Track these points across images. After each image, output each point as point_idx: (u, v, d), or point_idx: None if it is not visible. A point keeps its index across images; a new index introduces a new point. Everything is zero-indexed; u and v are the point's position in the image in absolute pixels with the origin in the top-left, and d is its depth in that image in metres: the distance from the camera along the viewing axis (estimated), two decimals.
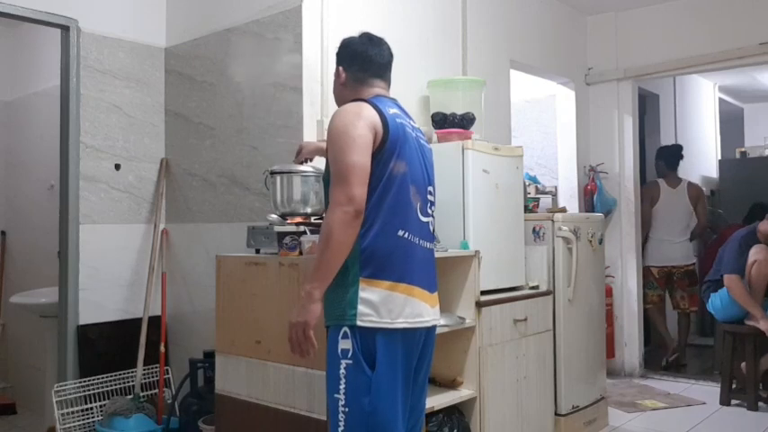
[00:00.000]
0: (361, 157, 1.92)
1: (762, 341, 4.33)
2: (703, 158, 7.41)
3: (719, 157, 7.59)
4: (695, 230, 5.69)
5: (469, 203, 3.12)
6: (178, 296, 3.77)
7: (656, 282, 5.54)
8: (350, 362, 1.94)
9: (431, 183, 2.18)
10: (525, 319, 3.27)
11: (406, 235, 2.00)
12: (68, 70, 3.54)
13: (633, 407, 4.39)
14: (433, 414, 2.74)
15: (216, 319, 2.88)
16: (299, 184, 2.88)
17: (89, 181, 3.58)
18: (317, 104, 3.22)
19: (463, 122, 3.47)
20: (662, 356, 5.56)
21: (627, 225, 5.38)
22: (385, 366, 1.94)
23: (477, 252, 3.01)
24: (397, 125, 2.05)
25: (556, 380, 3.54)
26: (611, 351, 4.97)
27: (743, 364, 4.44)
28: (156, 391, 3.60)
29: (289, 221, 2.77)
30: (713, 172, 7.44)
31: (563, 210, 4.04)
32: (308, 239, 2.56)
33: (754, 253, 4.40)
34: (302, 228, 2.69)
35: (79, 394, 3.42)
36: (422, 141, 2.20)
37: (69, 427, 3.34)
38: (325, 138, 3.13)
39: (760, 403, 4.35)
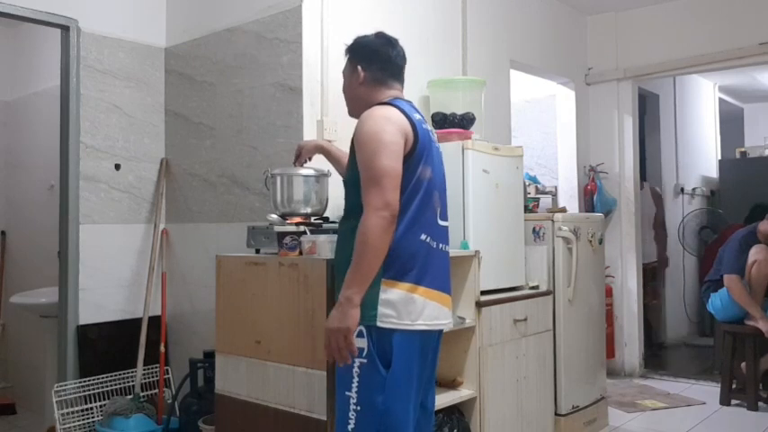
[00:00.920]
0: (394, 161, 1.96)
1: (762, 341, 4.33)
2: (703, 158, 7.42)
3: (719, 158, 7.60)
4: None
5: (469, 203, 3.12)
6: (178, 296, 3.77)
7: None
8: (364, 360, 1.96)
9: (446, 188, 2.24)
10: (525, 319, 3.27)
11: (428, 239, 2.04)
12: (68, 70, 3.54)
13: (633, 407, 4.39)
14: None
15: (216, 319, 2.87)
16: (299, 184, 2.88)
17: (89, 181, 3.58)
18: (317, 104, 3.22)
19: (463, 122, 3.47)
20: None
21: (627, 225, 5.38)
22: (401, 367, 1.97)
23: (477, 252, 3.01)
24: (424, 131, 2.08)
25: (556, 380, 3.54)
26: (611, 351, 4.97)
27: (743, 364, 4.44)
28: (156, 391, 3.60)
29: (289, 221, 2.77)
30: (713, 172, 7.44)
31: (563, 210, 4.04)
32: (308, 239, 2.56)
33: (754, 253, 4.40)
34: (302, 228, 2.69)
35: (79, 394, 3.42)
36: (437, 145, 2.24)
37: (69, 427, 3.33)
38: (326, 137, 3.19)
39: (760, 403, 4.35)
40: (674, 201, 6.75)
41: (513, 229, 3.44)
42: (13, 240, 4.91)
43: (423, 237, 2.02)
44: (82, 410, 3.40)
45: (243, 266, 2.76)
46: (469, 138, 3.29)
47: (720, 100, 7.87)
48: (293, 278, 2.53)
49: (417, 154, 2.03)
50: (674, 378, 5.18)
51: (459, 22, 4.10)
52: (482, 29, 4.25)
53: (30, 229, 4.69)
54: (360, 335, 1.96)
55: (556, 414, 3.52)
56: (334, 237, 2.53)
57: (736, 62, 5.02)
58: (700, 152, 7.34)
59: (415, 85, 3.68)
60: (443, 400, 2.82)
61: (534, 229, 3.62)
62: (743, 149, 7.19)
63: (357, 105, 2.21)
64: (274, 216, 2.84)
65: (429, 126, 2.19)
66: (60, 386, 3.38)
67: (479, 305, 2.99)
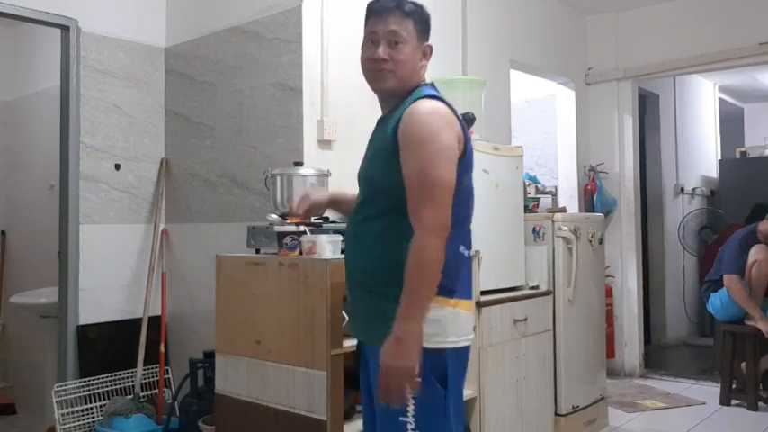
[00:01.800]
0: (451, 173, 1.72)
1: (761, 341, 4.33)
2: (703, 158, 7.41)
3: (719, 157, 7.60)
4: None
5: None
6: (178, 296, 3.77)
7: None
8: (418, 379, 1.72)
9: None
10: (525, 319, 3.27)
11: (466, 252, 1.87)
12: (68, 70, 3.54)
13: (633, 407, 4.39)
14: None
15: (216, 319, 2.87)
16: (299, 184, 2.88)
17: (89, 181, 3.58)
18: (317, 104, 3.23)
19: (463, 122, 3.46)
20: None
21: (627, 225, 5.38)
22: (455, 386, 1.82)
23: (477, 252, 3.01)
24: (468, 132, 1.86)
25: (556, 380, 3.54)
26: (611, 351, 4.97)
27: (743, 364, 4.44)
28: (156, 391, 3.60)
29: (289, 221, 2.77)
30: (713, 172, 7.44)
31: (563, 210, 4.04)
32: (308, 239, 2.56)
33: (754, 253, 4.40)
34: (302, 228, 2.69)
35: (79, 394, 3.42)
36: None
37: (69, 427, 3.33)
38: (326, 137, 3.18)
39: (760, 403, 4.35)
40: (674, 201, 6.75)
41: (514, 229, 3.44)
42: (13, 240, 4.91)
43: (462, 249, 1.83)
44: (82, 410, 3.40)
45: (243, 266, 2.76)
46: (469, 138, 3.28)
47: (720, 100, 7.87)
48: (293, 278, 2.53)
49: (467, 160, 1.81)
50: (674, 378, 5.18)
51: (459, 21, 4.10)
52: (482, 29, 4.25)
53: (30, 228, 4.68)
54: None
55: (556, 414, 3.52)
56: (335, 237, 2.54)
57: (737, 62, 5.02)
58: (700, 152, 7.34)
59: None
60: None
61: (534, 229, 3.62)
62: (743, 149, 7.19)
63: (406, 86, 1.86)
64: (274, 216, 2.84)
65: None
66: (60, 386, 3.38)
67: (479, 305, 2.99)
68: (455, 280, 1.80)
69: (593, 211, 4.98)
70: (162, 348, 3.64)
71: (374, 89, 1.90)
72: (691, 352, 6.33)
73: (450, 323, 1.78)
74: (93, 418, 3.40)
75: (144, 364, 3.54)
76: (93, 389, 3.45)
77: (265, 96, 3.35)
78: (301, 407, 2.49)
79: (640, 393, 4.75)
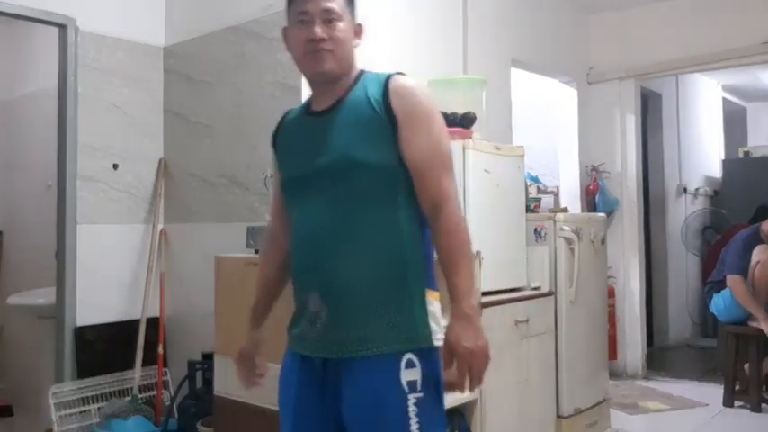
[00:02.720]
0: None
1: (765, 342, 4.31)
2: (706, 158, 7.39)
3: (723, 157, 7.58)
4: None
5: (470, 204, 3.09)
6: (177, 297, 3.75)
7: None
8: (420, 395, 1.54)
9: None
10: (527, 320, 3.24)
11: None
12: (66, 69, 3.52)
13: (635, 408, 4.37)
14: None
15: (215, 321, 2.86)
16: None
17: (87, 181, 3.56)
18: None
19: (464, 122, 3.44)
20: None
21: (629, 225, 5.35)
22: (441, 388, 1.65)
23: (478, 252, 2.98)
24: None
25: (557, 381, 3.51)
26: (613, 352, 4.94)
27: (746, 366, 4.42)
28: (155, 392, 3.59)
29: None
30: (716, 172, 7.42)
31: (565, 210, 4.02)
32: None
33: (757, 253, 4.38)
34: None
35: (77, 396, 3.40)
36: None
37: (67, 429, 3.32)
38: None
39: (763, 405, 4.32)
40: (676, 201, 6.73)
41: (515, 230, 3.42)
42: (10, 240, 4.89)
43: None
44: (79, 412, 3.39)
45: (242, 267, 2.75)
46: (470, 137, 3.26)
47: (724, 99, 7.85)
48: None
49: None
50: (676, 380, 5.16)
51: (459, 21, 4.08)
52: (483, 28, 4.23)
53: (27, 229, 4.67)
54: (410, 365, 1.55)
55: (558, 416, 3.50)
56: None
57: (740, 61, 5.00)
58: (703, 152, 7.32)
59: None
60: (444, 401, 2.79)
61: (536, 229, 3.60)
62: (746, 149, 7.17)
63: (346, 67, 1.70)
64: None
65: None
66: (58, 388, 3.37)
67: (480, 306, 2.96)
68: (431, 272, 1.66)
69: (595, 212, 4.95)
70: (160, 350, 3.62)
71: (313, 74, 1.71)
72: (693, 353, 6.31)
73: (441, 319, 1.64)
74: (90, 419, 3.39)
75: (142, 366, 3.53)
76: (91, 390, 3.43)
77: (265, 96, 3.33)
78: None
79: (643, 395, 4.72)
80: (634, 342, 5.31)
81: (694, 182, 7.05)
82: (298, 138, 1.80)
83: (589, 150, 5.42)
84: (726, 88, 7.82)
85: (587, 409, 3.72)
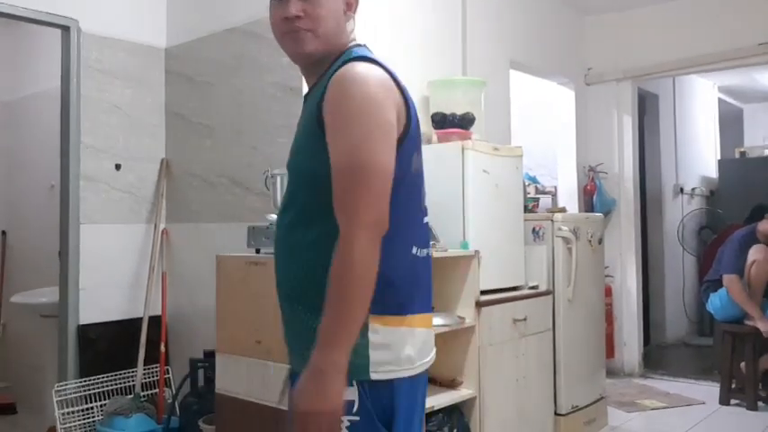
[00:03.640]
0: (389, 156, 1.33)
1: (761, 341, 4.33)
2: (703, 158, 7.42)
3: (719, 158, 7.61)
4: None
5: (469, 204, 3.13)
6: (178, 296, 3.77)
7: None
8: (356, 418, 1.34)
9: None
10: (525, 319, 3.27)
11: (418, 252, 1.45)
12: (69, 71, 3.54)
13: (633, 406, 4.40)
14: (432, 414, 2.75)
15: (216, 319, 2.88)
16: None
17: (89, 181, 3.59)
18: None
19: (463, 123, 3.47)
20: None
21: (626, 225, 5.38)
22: (407, 423, 1.41)
23: (476, 252, 3.01)
24: (413, 104, 1.45)
25: (555, 379, 3.54)
26: (610, 351, 4.98)
27: (742, 364, 4.45)
28: (157, 390, 3.61)
29: None
30: (712, 172, 7.45)
31: (563, 210, 4.05)
32: None
33: (754, 253, 4.41)
34: None
35: (80, 394, 3.43)
36: None
37: (70, 427, 3.34)
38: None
39: (759, 403, 4.35)
40: (673, 201, 6.76)
41: (513, 229, 3.44)
42: (13, 240, 4.91)
43: (414, 250, 1.43)
44: (82, 410, 3.40)
45: (243, 266, 2.77)
46: (469, 138, 3.30)
47: (720, 100, 7.88)
48: None
49: (410, 138, 1.40)
50: (673, 378, 5.19)
51: (459, 22, 4.11)
52: (482, 29, 4.26)
53: (30, 228, 4.69)
54: (349, 384, 1.33)
55: (555, 414, 3.53)
56: None
57: (736, 62, 5.03)
58: (699, 152, 7.35)
59: (414, 85, 3.69)
60: (443, 399, 2.83)
61: (534, 229, 3.63)
62: (742, 149, 7.19)
63: (330, 47, 1.46)
64: (274, 216, 2.85)
65: None
66: (61, 386, 3.39)
67: (479, 305, 2.99)
68: (403, 290, 1.40)
69: (593, 212, 4.98)
70: (162, 348, 3.64)
71: (293, 57, 1.49)
72: (690, 352, 6.34)
73: (404, 348, 1.39)
74: (93, 417, 3.40)
75: (144, 364, 3.55)
76: (94, 388, 3.45)
77: (265, 96, 3.35)
78: None
79: (640, 393, 4.75)
80: (631, 340, 5.34)
81: (691, 182, 7.08)
82: None
83: (587, 151, 5.45)
84: (722, 89, 7.85)
85: (585, 406, 3.75)
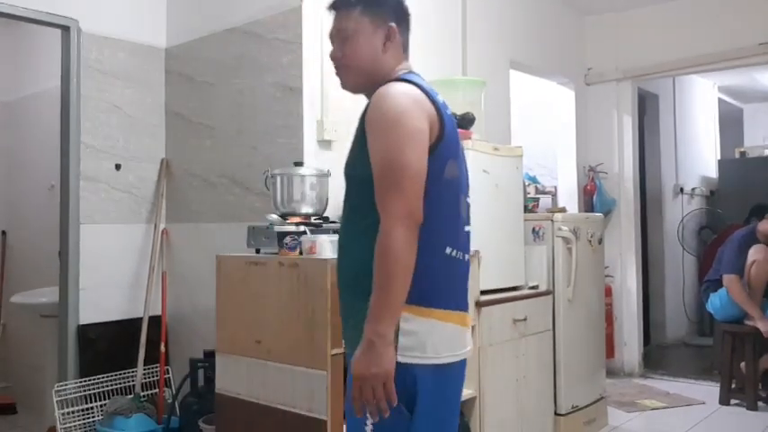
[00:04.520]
0: (420, 157, 1.55)
1: (761, 341, 4.34)
2: (703, 159, 7.43)
3: (719, 158, 7.61)
4: None
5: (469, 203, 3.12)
6: (178, 296, 3.77)
7: None
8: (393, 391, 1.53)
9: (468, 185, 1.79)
10: (525, 319, 3.27)
11: (454, 252, 1.64)
12: (69, 71, 3.54)
13: (633, 406, 4.40)
14: None
15: (216, 319, 2.88)
16: (299, 183, 2.89)
17: (89, 181, 3.59)
18: (317, 105, 3.23)
19: (463, 123, 3.46)
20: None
21: (626, 225, 5.39)
22: (427, 411, 1.58)
23: (476, 252, 3.01)
24: (449, 118, 1.68)
25: (555, 379, 3.55)
26: (610, 351, 4.98)
27: (742, 364, 4.45)
28: (157, 390, 3.61)
29: (289, 221, 2.77)
30: (712, 172, 7.45)
31: (563, 210, 4.05)
32: (309, 239, 2.57)
33: (754, 253, 4.41)
34: (302, 227, 2.70)
35: (80, 394, 3.43)
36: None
37: (70, 427, 3.34)
38: (326, 137, 3.18)
39: (759, 403, 4.36)
40: (673, 201, 6.76)
41: (513, 229, 3.45)
42: (13, 240, 4.91)
43: (448, 250, 1.62)
44: (82, 410, 3.40)
45: (243, 266, 2.77)
46: (469, 138, 3.29)
47: (720, 100, 7.88)
48: (293, 278, 2.54)
49: (444, 146, 1.61)
50: (673, 378, 5.19)
51: (459, 22, 4.11)
52: (482, 29, 4.26)
53: (30, 228, 4.69)
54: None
55: (555, 414, 3.53)
56: (335, 237, 2.54)
57: (736, 62, 5.03)
58: (699, 152, 7.35)
59: None
60: None
61: (534, 229, 3.63)
62: (742, 149, 7.20)
63: (374, 77, 1.70)
64: (274, 216, 2.85)
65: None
66: (61, 386, 3.39)
67: (479, 305, 2.99)
68: (435, 286, 1.60)
69: (593, 211, 4.98)
70: (162, 348, 3.64)
71: (343, 88, 1.80)
72: (690, 352, 6.34)
73: (427, 336, 1.57)
74: (93, 417, 3.41)
75: (144, 364, 3.55)
76: (94, 388, 3.45)
77: (265, 96, 3.35)
78: (301, 407, 2.50)
79: (640, 393, 4.75)
80: (631, 340, 5.34)
81: (691, 182, 7.09)
82: None
83: (587, 151, 5.45)
84: (722, 89, 7.85)
85: (585, 406, 3.75)
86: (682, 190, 6.86)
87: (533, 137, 5.62)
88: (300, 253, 2.59)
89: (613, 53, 5.41)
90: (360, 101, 1.73)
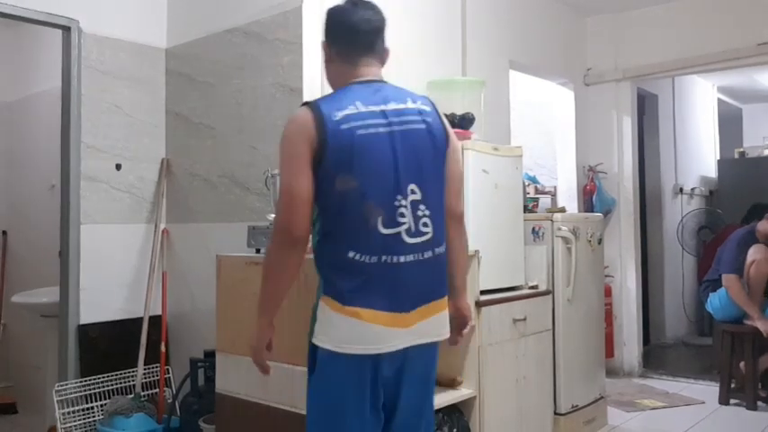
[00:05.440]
0: (297, 179, 1.77)
1: (760, 340, 4.34)
2: (702, 159, 7.43)
3: (718, 158, 7.62)
4: None
5: (469, 203, 3.12)
6: (179, 296, 3.78)
7: None
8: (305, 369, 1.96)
9: (414, 179, 1.83)
10: (525, 319, 3.28)
11: (357, 256, 1.78)
12: (69, 71, 3.55)
13: (632, 406, 4.40)
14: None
15: (216, 319, 2.88)
16: None
17: (90, 181, 3.59)
18: None
19: (463, 123, 3.48)
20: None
21: (626, 225, 5.39)
22: (322, 384, 1.87)
23: (476, 252, 3.02)
24: (341, 134, 1.76)
25: (555, 379, 3.55)
26: (610, 350, 4.98)
27: (742, 364, 4.46)
28: (157, 390, 3.61)
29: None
30: (712, 172, 7.46)
31: (562, 210, 4.05)
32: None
33: (753, 253, 4.41)
34: None
35: (80, 393, 3.43)
36: (412, 127, 1.86)
37: (70, 427, 3.35)
38: None
39: (759, 402, 4.36)
40: (672, 201, 6.77)
41: (513, 229, 3.45)
42: (14, 240, 4.92)
43: (350, 254, 1.78)
44: (83, 410, 3.41)
45: (243, 266, 2.78)
46: (469, 138, 3.30)
47: (719, 100, 7.89)
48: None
49: (330, 164, 1.76)
50: (672, 377, 5.19)
51: (458, 22, 4.11)
52: (482, 29, 4.27)
53: (31, 228, 4.70)
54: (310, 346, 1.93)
55: (555, 413, 3.53)
56: None
57: (735, 63, 5.03)
58: (698, 152, 7.36)
59: (414, 85, 3.66)
60: (443, 399, 2.83)
61: (533, 228, 3.64)
62: (742, 150, 7.21)
63: (330, 84, 2.00)
64: (274, 216, 2.85)
65: (398, 106, 1.87)
66: (61, 385, 3.39)
67: (479, 305, 3.00)
68: (339, 284, 1.81)
69: (593, 211, 4.99)
70: (162, 348, 3.65)
71: None
72: (689, 351, 6.34)
73: (330, 326, 1.83)
74: (94, 417, 3.41)
75: (145, 364, 3.55)
76: (94, 388, 3.46)
77: (266, 97, 3.36)
78: (301, 406, 2.50)
79: (639, 393, 4.76)
80: (631, 340, 5.35)
81: (690, 182, 7.09)
82: None
83: (586, 151, 5.46)
84: (721, 89, 7.86)
85: (585, 406, 3.75)
86: (681, 190, 6.87)
87: (533, 137, 5.63)
88: None
89: (613, 53, 5.42)
90: None
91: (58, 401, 3.33)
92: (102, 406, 3.43)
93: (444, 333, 1.96)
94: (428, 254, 1.86)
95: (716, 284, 4.56)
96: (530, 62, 4.83)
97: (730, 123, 8.27)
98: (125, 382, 3.55)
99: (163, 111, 3.92)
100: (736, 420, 4.18)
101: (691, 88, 7.20)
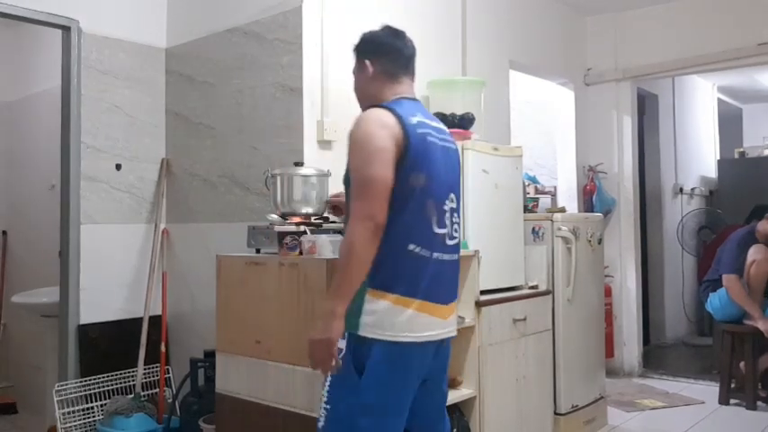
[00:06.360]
0: (383, 170, 1.89)
1: (760, 340, 4.34)
2: (702, 159, 7.43)
3: (718, 158, 7.62)
4: None
5: (469, 203, 3.13)
6: (179, 296, 3.78)
7: None
8: (340, 360, 1.92)
9: (453, 189, 2.11)
10: (525, 319, 3.28)
11: (417, 249, 1.95)
12: (69, 71, 3.55)
13: (632, 406, 4.40)
14: None
15: (216, 319, 2.89)
16: (299, 183, 2.89)
17: (90, 181, 3.59)
18: (317, 105, 3.24)
19: (463, 123, 3.48)
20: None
21: (626, 225, 5.39)
22: (377, 378, 1.91)
23: (476, 252, 3.02)
24: (418, 136, 1.98)
25: (555, 379, 3.55)
26: (610, 350, 4.98)
27: (741, 364, 4.46)
28: (157, 390, 3.61)
29: (289, 221, 2.78)
30: (712, 172, 7.46)
31: (562, 210, 4.06)
32: (309, 239, 2.57)
33: (753, 253, 4.41)
34: (302, 227, 2.70)
35: (80, 393, 3.43)
36: (448, 144, 2.13)
37: (70, 427, 3.35)
38: (326, 138, 3.20)
39: (759, 402, 4.37)
40: (672, 201, 6.77)
41: (513, 229, 3.45)
42: (14, 240, 4.92)
43: (411, 247, 1.94)
44: (83, 410, 3.41)
45: (243, 266, 2.78)
46: (469, 138, 3.30)
47: (719, 100, 7.88)
48: (293, 278, 2.54)
49: (408, 162, 1.93)
50: (672, 377, 5.19)
51: (458, 22, 4.11)
52: (482, 29, 4.27)
53: (31, 228, 4.70)
54: (342, 337, 1.92)
55: (555, 413, 3.54)
56: (335, 237, 2.56)
57: (735, 62, 5.03)
58: (699, 152, 7.36)
59: (415, 85, 3.69)
60: None
61: (534, 228, 3.64)
62: (742, 150, 7.20)
63: (368, 103, 2.11)
64: (274, 216, 2.86)
65: (434, 124, 2.10)
66: (61, 385, 3.39)
67: (479, 305, 3.00)
68: (398, 275, 1.92)
69: (593, 211, 4.99)
70: (162, 348, 3.65)
71: None
72: (689, 351, 6.34)
73: (387, 317, 1.90)
74: (94, 417, 3.41)
75: (145, 364, 3.56)
76: (94, 388, 3.46)
77: (266, 97, 3.36)
78: (301, 406, 2.51)
79: (639, 393, 4.76)
80: (631, 340, 5.35)
81: (690, 182, 7.09)
82: None
83: (586, 151, 5.46)
84: (722, 89, 7.86)
85: (585, 406, 3.76)
86: (681, 190, 6.87)
87: (533, 137, 5.63)
88: (300, 253, 2.59)
89: (613, 53, 5.42)
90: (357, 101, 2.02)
91: (57, 401, 3.33)
92: (102, 406, 3.43)
93: (455, 330, 2.14)
94: (456, 256, 2.10)
95: (716, 284, 4.56)
96: (530, 62, 4.83)
97: (730, 123, 8.27)
98: (125, 382, 3.55)
99: (163, 111, 3.91)
100: (736, 420, 4.18)
101: (691, 88, 7.20)
